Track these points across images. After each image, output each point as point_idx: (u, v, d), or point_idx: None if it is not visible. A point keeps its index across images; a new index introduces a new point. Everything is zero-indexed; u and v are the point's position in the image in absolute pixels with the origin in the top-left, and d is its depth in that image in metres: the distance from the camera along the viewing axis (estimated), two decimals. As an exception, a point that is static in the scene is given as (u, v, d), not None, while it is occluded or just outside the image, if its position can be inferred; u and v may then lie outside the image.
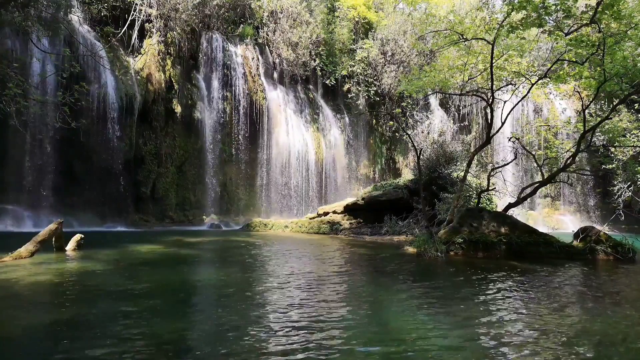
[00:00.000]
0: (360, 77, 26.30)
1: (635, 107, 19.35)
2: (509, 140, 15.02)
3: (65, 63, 15.63)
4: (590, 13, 10.12)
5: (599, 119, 12.88)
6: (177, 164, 20.99)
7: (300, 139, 23.88)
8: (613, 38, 10.15)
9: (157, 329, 4.07)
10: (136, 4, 19.49)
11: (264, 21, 24.33)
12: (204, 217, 21.09)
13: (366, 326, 4.29)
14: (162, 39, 20.51)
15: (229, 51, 22.65)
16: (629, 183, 19.19)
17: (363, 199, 18.00)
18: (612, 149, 16.40)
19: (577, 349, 3.75)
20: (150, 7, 20.15)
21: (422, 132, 20.46)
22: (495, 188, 13.96)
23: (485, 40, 12.04)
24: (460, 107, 28.68)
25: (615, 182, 20.33)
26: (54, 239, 8.73)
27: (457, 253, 9.98)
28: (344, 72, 25.99)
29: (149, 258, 8.96)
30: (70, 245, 9.23)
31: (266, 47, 24.40)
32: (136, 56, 19.99)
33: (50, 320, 4.27)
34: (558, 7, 10.26)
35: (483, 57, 12.84)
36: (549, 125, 25.23)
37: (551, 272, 8.00)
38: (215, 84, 22.17)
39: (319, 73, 25.81)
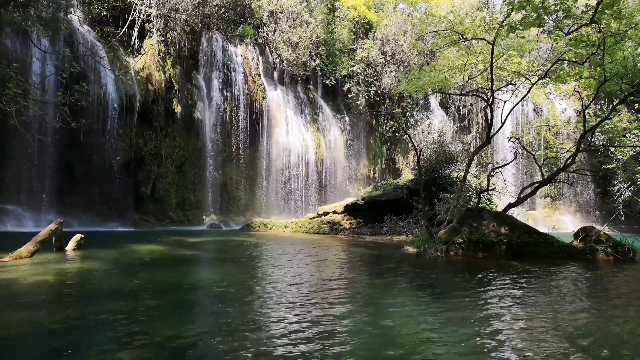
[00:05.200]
0: (360, 77, 26.29)
1: (635, 107, 19.33)
2: (509, 140, 15.02)
3: (65, 63, 15.63)
4: (590, 13, 10.12)
5: (599, 119, 12.88)
6: (177, 164, 20.98)
7: (300, 139, 23.87)
8: (613, 38, 10.15)
9: (158, 329, 4.07)
10: (136, 4, 19.48)
11: (264, 21, 24.33)
12: (204, 217, 21.09)
13: (366, 327, 4.29)
14: (162, 39, 20.51)
15: (229, 51, 22.65)
16: (629, 183, 19.18)
17: (363, 199, 18.00)
18: (612, 149, 16.39)
19: (578, 350, 3.75)
20: (150, 7, 20.15)
21: (422, 132, 20.46)
22: (495, 188, 13.96)
23: (485, 40, 12.04)
24: (460, 107, 28.68)
25: (615, 182, 20.32)
26: (54, 239, 8.73)
27: (457, 253, 9.98)
28: (344, 72, 25.98)
29: (149, 258, 8.96)
30: (70, 245, 9.24)
31: (266, 47, 24.40)
32: (136, 56, 19.99)
33: (50, 321, 4.27)
34: (558, 7, 10.26)
35: (483, 57, 12.85)
36: (549, 125, 25.23)
37: (551, 272, 8.00)
38: (215, 84, 22.17)
39: (319, 73, 25.80)
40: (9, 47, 15.65)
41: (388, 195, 17.46)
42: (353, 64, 26.20)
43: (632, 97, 13.08)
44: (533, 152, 14.94)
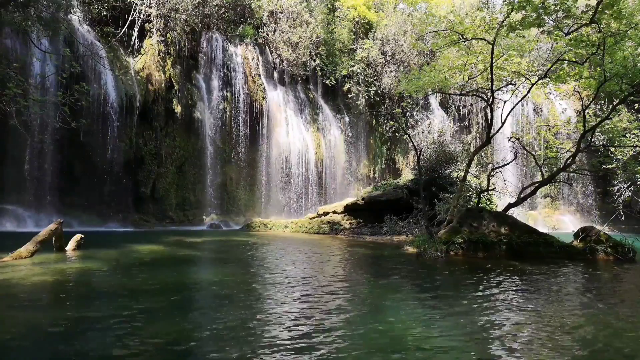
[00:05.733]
0: (360, 77, 26.29)
1: (635, 107, 19.32)
2: (509, 140, 15.02)
3: (65, 63, 15.63)
4: (590, 13, 10.12)
5: (599, 119, 12.88)
6: (177, 164, 20.98)
7: (300, 139, 23.87)
8: (613, 38, 10.14)
9: (158, 329, 4.07)
10: (136, 4, 19.48)
11: (264, 21, 24.32)
12: (204, 217, 21.09)
13: (368, 329, 4.28)
14: (162, 39, 20.50)
15: (229, 51, 22.64)
16: (629, 183, 19.17)
17: (363, 199, 18.00)
18: (612, 149, 16.38)
19: (578, 349, 3.75)
20: (150, 7, 20.15)
21: (422, 132, 20.46)
22: (495, 188, 13.96)
23: (485, 40, 12.04)
24: (460, 107, 28.67)
25: (615, 182, 20.30)
26: (54, 239, 8.73)
27: (457, 253, 9.98)
28: (344, 72, 25.97)
29: (149, 258, 8.96)
30: (71, 245, 9.24)
31: (266, 47, 24.39)
32: (136, 56, 19.99)
33: (50, 321, 4.27)
34: (558, 7, 10.26)
35: (483, 57, 12.84)
36: (549, 125, 25.22)
37: (551, 272, 8.00)
38: (215, 84, 22.16)
39: (319, 73, 25.80)
40: (9, 47, 15.65)
41: (388, 195, 17.46)
42: (353, 64, 26.19)
43: (632, 97, 13.07)
44: (533, 152, 14.94)
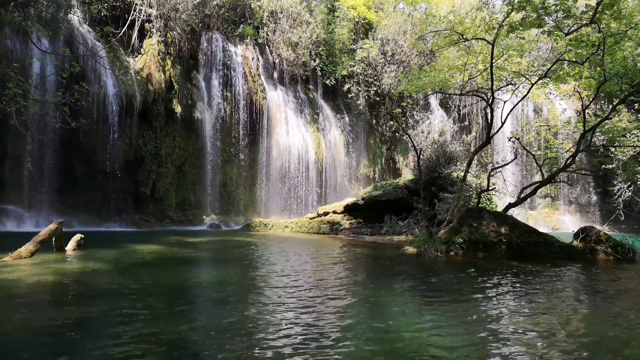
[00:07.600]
0: (360, 77, 26.28)
1: (635, 107, 19.33)
2: (509, 140, 15.02)
3: (65, 63, 15.62)
4: (590, 13, 10.12)
5: (599, 119, 12.88)
6: (177, 164, 20.97)
7: (300, 139, 23.87)
8: (613, 38, 10.15)
9: (158, 329, 4.07)
10: (136, 4, 19.47)
11: (264, 21, 24.32)
12: (204, 217, 21.09)
13: (368, 329, 4.29)
14: (162, 39, 20.50)
15: (229, 51, 22.64)
16: (629, 183, 19.15)
17: (363, 199, 17.99)
18: (612, 149, 16.38)
19: (577, 350, 3.75)
20: (150, 7, 20.14)
21: (422, 132, 20.46)
22: (495, 188, 13.96)
23: (485, 40, 12.04)
24: (460, 107, 28.68)
25: (615, 182, 20.29)
26: (54, 239, 8.73)
27: (457, 253, 9.98)
28: (344, 72, 25.97)
29: (149, 258, 8.96)
30: (71, 245, 9.24)
31: (266, 47, 24.39)
32: (136, 56, 19.98)
33: (50, 321, 4.27)
34: (558, 7, 10.27)
35: (483, 57, 12.85)
36: (549, 125, 25.23)
37: (551, 272, 8.00)
38: (215, 84, 22.16)
39: (319, 73, 25.79)
40: (9, 47, 15.64)
41: (388, 195, 17.45)
42: (353, 64, 26.18)
43: (632, 97, 13.06)
44: (533, 152, 14.94)
